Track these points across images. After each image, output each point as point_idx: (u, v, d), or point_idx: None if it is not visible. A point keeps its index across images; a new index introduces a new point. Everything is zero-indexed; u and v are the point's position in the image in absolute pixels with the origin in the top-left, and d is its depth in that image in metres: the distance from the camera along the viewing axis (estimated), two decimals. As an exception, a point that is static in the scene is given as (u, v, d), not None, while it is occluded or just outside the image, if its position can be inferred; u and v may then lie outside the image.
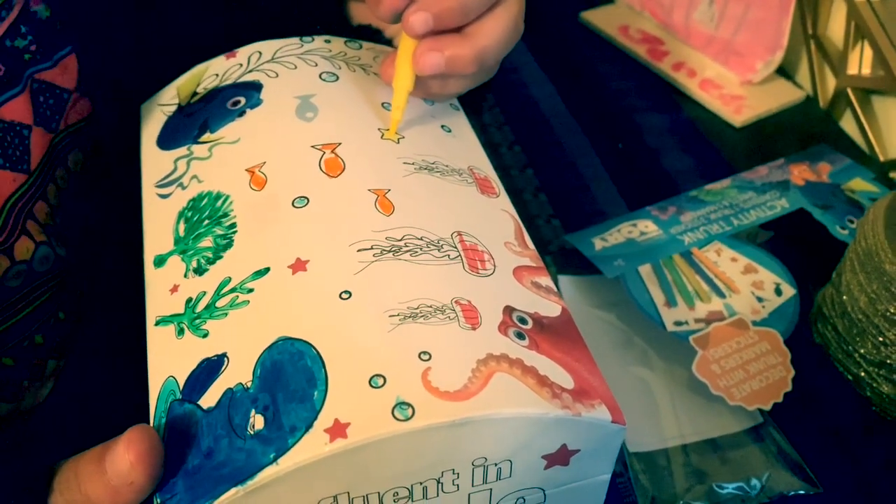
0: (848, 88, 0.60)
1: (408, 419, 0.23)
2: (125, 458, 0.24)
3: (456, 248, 0.29)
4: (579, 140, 0.60)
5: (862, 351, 0.41)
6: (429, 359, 0.24)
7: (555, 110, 0.62)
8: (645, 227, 0.49)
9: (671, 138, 0.59)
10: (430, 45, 0.32)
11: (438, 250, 0.29)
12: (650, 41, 0.69)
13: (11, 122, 0.34)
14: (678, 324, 0.44)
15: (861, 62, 0.59)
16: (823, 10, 0.63)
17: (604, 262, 0.46)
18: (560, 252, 0.50)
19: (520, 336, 0.27)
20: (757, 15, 0.61)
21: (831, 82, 0.62)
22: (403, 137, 0.33)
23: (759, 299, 0.45)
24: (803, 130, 0.61)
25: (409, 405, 0.23)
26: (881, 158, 0.58)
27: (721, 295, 0.45)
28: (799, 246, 0.49)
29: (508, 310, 0.27)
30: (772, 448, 0.40)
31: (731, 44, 0.64)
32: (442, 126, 0.36)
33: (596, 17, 0.72)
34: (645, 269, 0.46)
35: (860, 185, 0.52)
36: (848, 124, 0.61)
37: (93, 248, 0.39)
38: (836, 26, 0.62)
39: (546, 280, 0.30)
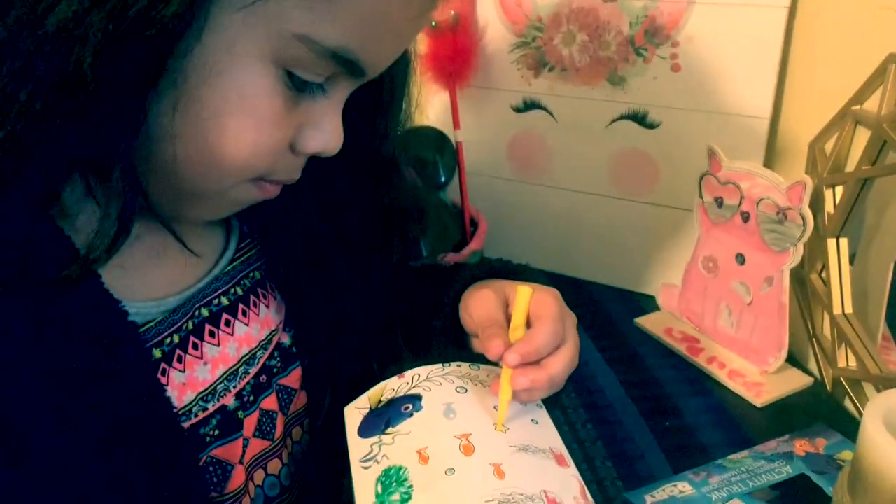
0: (840, 377, 0.78)
1: None
2: None
3: (543, 500, 0.48)
4: (636, 419, 0.79)
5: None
6: None
7: (616, 395, 0.83)
8: (683, 488, 0.66)
9: (706, 417, 0.78)
10: (520, 373, 0.48)
11: (532, 501, 0.48)
12: (689, 340, 0.90)
13: (268, 410, 0.56)
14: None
15: (847, 357, 0.78)
16: (818, 319, 0.83)
17: (653, 514, 0.64)
18: (622, 506, 0.67)
19: None
20: (764, 323, 0.82)
21: (830, 372, 0.81)
22: (508, 429, 0.54)
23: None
24: (811, 410, 0.78)
25: None
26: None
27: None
28: (799, 499, 0.65)
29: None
30: None
31: (749, 343, 0.84)
32: (532, 420, 0.56)
33: (647, 322, 0.94)
34: (683, 520, 0.63)
35: (849, 455, 0.68)
36: (849, 404, 0.79)
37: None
38: (827, 330, 0.82)
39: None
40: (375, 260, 0.62)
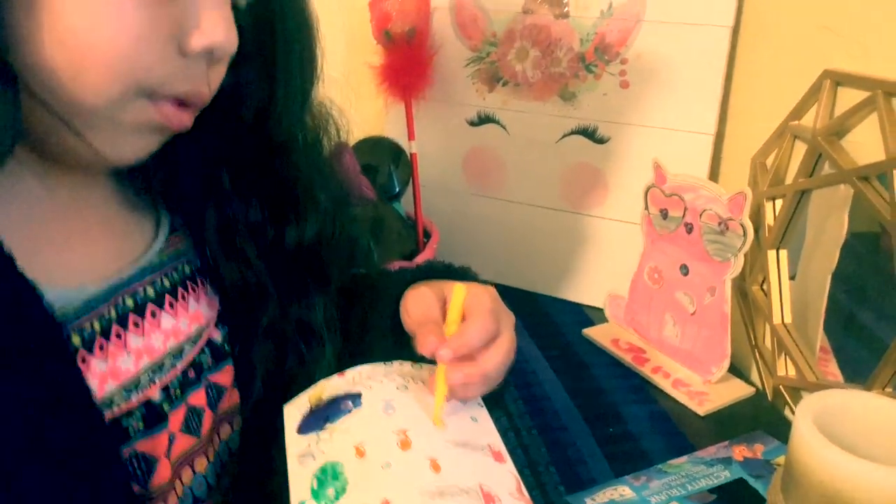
0: (780, 386, 0.80)
1: None
2: None
3: (479, 493, 0.48)
4: (580, 426, 0.79)
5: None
6: None
7: (562, 402, 0.83)
8: (623, 491, 0.67)
9: (649, 424, 0.79)
10: (454, 368, 0.48)
11: (467, 494, 0.48)
12: (635, 350, 0.91)
13: (195, 406, 0.55)
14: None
15: (787, 366, 0.80)
16: (759, 329, 0.85)
17: (593, 517, 0.64)
18: (563, 510, 0.68)
19: None
20: (707, 333, 0.84)
21: (771, 381, 0.83)
22: (447, 426, 0.54)
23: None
24: (753, 418, 0.80)
25: None
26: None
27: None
28: (736, 502, 0.66)
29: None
30: None
31: (692, 353, 0.86)
32: (471, 417, 0.56)
33: (594, 333, 0.96)
34: (622, 522, 0.63)
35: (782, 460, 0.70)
36: (789, 412, 0.80)
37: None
38: (768, 341, 0.83)
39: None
40: (300, 247, 0.60)
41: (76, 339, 0.45)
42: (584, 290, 1.05)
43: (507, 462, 0.53)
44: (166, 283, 0.53)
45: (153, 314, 0.51)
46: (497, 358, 0.51)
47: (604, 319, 0.98)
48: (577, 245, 1.03)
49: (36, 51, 0.39)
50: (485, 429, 0.56)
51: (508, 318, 0.55)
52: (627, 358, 0.89)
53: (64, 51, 0.39)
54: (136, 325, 0.50)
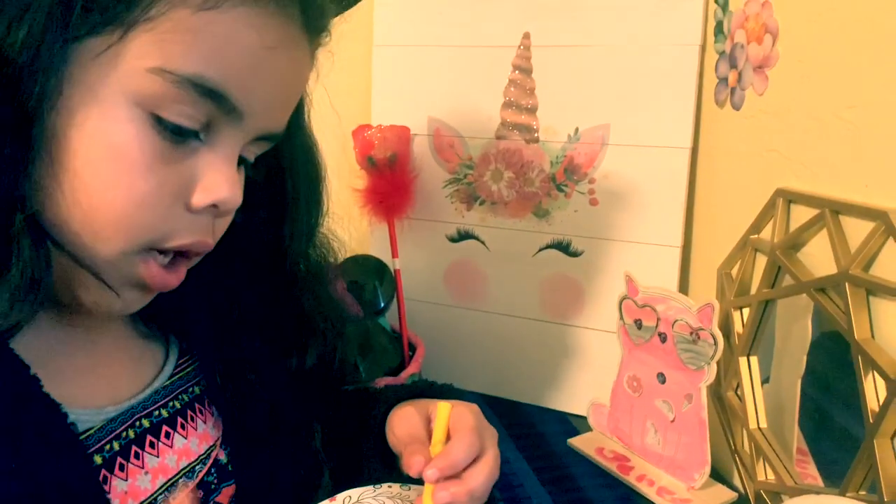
0: (761, 490, 0.82)
1: None
2: None
3: None
4: (569, 539, 0.80)
5: None
6: None
7: (551, 515, 0.84)
8: None
9: (636, 535, 0.80)
10: (440, 487, 0.50)
11: None
12: (619, 459, 0.93)
13: None
14: None
15: (766, 471, 0.82)
16: (737, 434, 0.88)
17: None
18: None
19: None
20: (687, 439, 0.86)
21: (752, 486, 0.85)
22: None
23: None
24: (737, 524, 0.81)
25: None
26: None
27: None
28: None
29: None
30: None
31: (674, 460, 0.88)
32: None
33: (579, 442, 0.97)
34: None
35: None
36: (772, 518, 0.82)
37: None
38: (746, 445, 0.86)
39: None
40: (299, 372, 0.63)
41: (98, 459, 0.48)
42: (567, 399, 1.07)
43: (497, 583, 0.55)
44: (177, 404, 0.56)
45: (167, 435, 0.54)
46: (482, 475, 0.53)
47: (588, 428, 1.00)
48: (558, 354, 1.06)
49: (57, 208, 0.43)
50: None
51: (492, 435, 0.58)
52: (613, 466, 0.91)
53: (80, 205, 0.43)
54: (151, 445, 0.52)
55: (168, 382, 0.57)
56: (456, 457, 0.52)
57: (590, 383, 1.04)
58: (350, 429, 0.67)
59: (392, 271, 1.08)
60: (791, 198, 0.78)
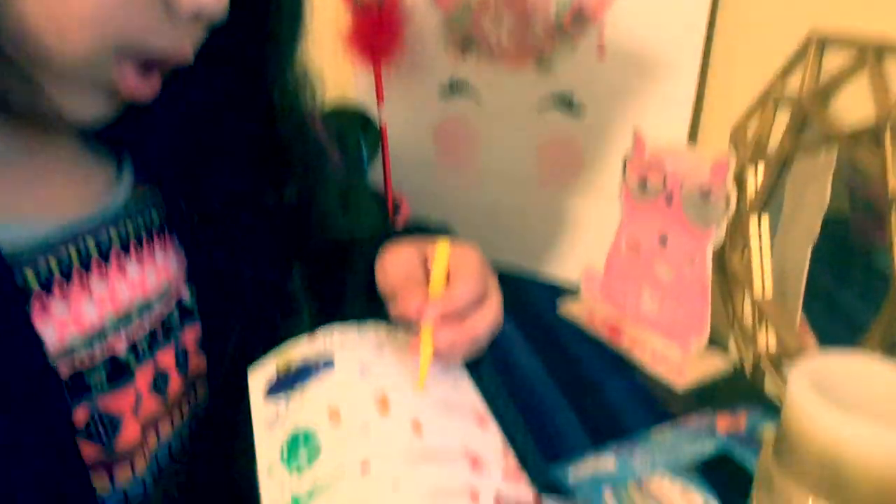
0: (761, 358, 0.78)
1: None
2: None
3: (464, 456, 0.45)
4: (557, 399, 0.76)
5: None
6: None
7: (538, 376, 0.80)
8: (607, 462, 0.64)
9: (628, 397, 0.76)
10: (440, 330, 0.46)
11: (452, 456, 0.44)
12: (612, 325, 0.89)
13: (163, 367, 0.51)
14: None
15: (766, 339, 0.78)
16: (738, 303, 0.83)
17: (577, 488, 0.61)
18: (544, 486, 0.65)
19: None
20: (686, 304, 0.82)
21: (750, 355, 0.81)
22: (427, 389, 0.50)
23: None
24: (731, 391, 0.78)
25: None
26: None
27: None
28: (721, 474, 0.63)
29: (497, 491, 0.43)
30: None
31: (671, 326, 0.83)
32: (453, 381, 0.53)
33: (570, 308, 0.93)
34: (607, 493, 0.61)
35: (770, 430, 0.68)
36: (768, 388, 0.79)
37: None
38: (748, 313, 0.82)
39: (522, 476, 0.45)
40: (276, 211, 0.57)
41: (31, 277, 0.41)
42: (558, 265, 1.02)
43: (491, 426, 0.50)
44: (130, 230, 0.50)
45: (119, 261, 0.48)
46: (485, 322, 0.48)
47: (579, 295, 0.95)
48: (551, 219, 1.00)
49: (16, 7, 0.36)
50: (467, 394, 0.53)
51: (495, 281, 0.52)
52: (604, 331, 0.87)
53: (45, 6, 0.36)
54: (99, 269, 0.46)
55: (122, 207, 0.50)
56: (460, 299, 0.46)
57: (581, 250, 0.99)
58: (333, 269, 0.61)
59: (377, 125, 1.00)
60: (826, 39, 0.70)
